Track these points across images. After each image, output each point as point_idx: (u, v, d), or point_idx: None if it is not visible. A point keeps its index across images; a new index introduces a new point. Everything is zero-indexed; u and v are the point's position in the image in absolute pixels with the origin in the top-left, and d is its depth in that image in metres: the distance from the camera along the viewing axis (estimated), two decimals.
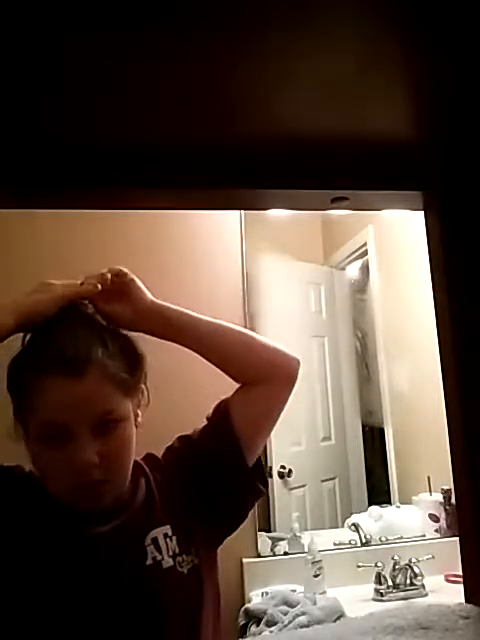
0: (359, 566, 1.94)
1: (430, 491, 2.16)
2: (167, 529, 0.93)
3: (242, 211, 2.02)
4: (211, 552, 1.00)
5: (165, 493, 0.97)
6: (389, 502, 2.29)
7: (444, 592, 1.86)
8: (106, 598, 0.87)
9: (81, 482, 0.85)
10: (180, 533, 0.94)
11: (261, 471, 1.02)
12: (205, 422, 1.03)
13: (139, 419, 0.95)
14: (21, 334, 0.91)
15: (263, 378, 0.99)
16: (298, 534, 2.05)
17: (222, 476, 0.97)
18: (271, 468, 2.17)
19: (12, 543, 0.88)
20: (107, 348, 0.89)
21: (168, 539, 0.92)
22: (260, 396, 0.99)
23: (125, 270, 0.96)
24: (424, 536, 2.14)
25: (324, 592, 1.86)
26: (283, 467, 2.21)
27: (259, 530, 2.01)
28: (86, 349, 0.87)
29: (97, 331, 0.91)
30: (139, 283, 0.97)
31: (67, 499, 0.88)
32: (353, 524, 2.14)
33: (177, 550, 0.92)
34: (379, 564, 1.92)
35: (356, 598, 1.86)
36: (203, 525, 0.97)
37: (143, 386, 0.97)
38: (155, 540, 0.91)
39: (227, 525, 1.01)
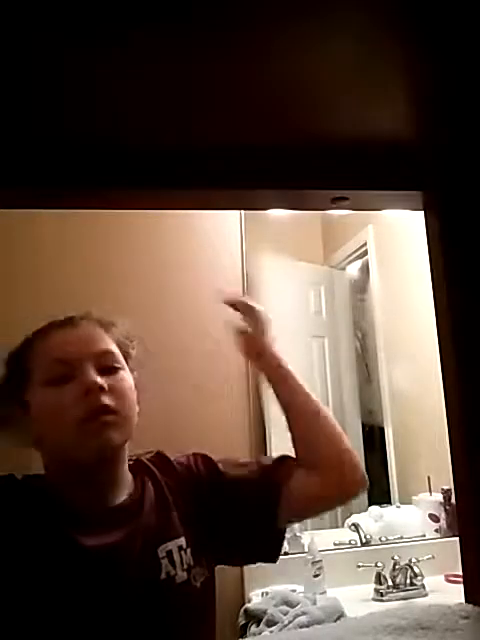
0: (359, 566, 1.94)
1: (430, 491, 2.16)
2: (182, 541, 0.91)
3: (242, 211, 2.02)
4: (215, 565, 0.99)
5: (181, 504, 0.95)
6: (389, 502, 2.29)
7: (444, 592, 1.85)
8: (116, 614, 0.83)
9: (89, 408, 0.84)
10: (194, 545, 0.92)
11: (282, 537, 1.02)
12: (250, 461, 1.04)
13: (137, 406, 0.94)
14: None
15: (327, 470, 0.99)
16: (298, 534, 2.05)
17: (246, 529, 0.97)
18: None
19: (13, 559, 0.83)
20: (102, 316, 0.97)
21: (182, 551, 0.90)
22: (317, 485, 0.98)
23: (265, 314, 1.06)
24: (424, 536, 2.13)
25: (324, 592, 1.86)
26: None
27: None
28: (82, 312, 0.96)
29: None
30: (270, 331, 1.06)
31: (74, 438, 0.85)
32: (353, 524, 2.14)
33: (191, 563, 0.90)
34: (379, 564, 1.92)
35: (356, 598, 1.86)
36: (213, 545, 0.96)
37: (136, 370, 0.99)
38: (170, 553, 0.89)
39: (234, 561, 1.06)
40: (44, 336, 0.92)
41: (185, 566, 0.89)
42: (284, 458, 1.02)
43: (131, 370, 0.96)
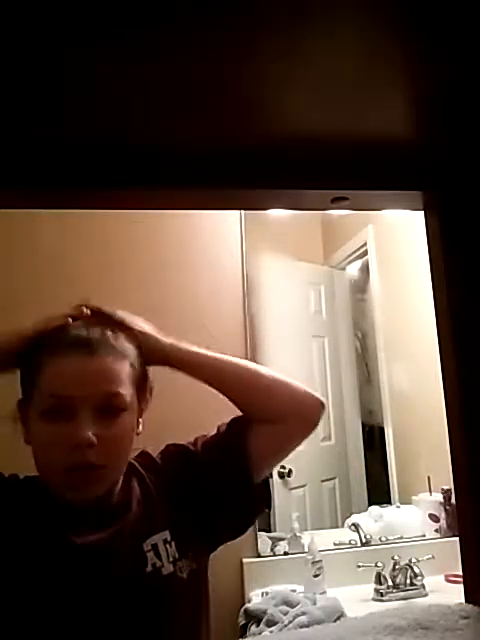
0: (359, 566, 1.94)
1: (430, 491, 2.16)
2: (166, 534, 0.92)
3: (242, 211, 2.02)
4: (206, 555, 0.99)
5: (164, 497, 0.96)
6: (389, 502, 2.29)
7: (444, 592, 1.85)
8: (104, 609, 0.85)
9: (75, 462, 0.84)
10: (179, 538, 0.93)
11: (266, 489, 1.02)
12: (214, 431, 1.01)
13: (140, 427, 0.95)
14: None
15: (282, 420, 0.98)
16: (298, 534, 2.05)
17: (227, 491, 0.97)
18: None
19: (8, 556, 0.85)
20: (118, 336, 0.91)
21: (167, 545, 0.91)
22: (277, 433, 0.98)
23: (125, 320, 0.96)
24: (424, 536, 2.14)
25: (324, 592, 1.86)
26: (283, 467, 2.20)
27: (259, 530, 2.01)
28: (100, 333, 0.90)
29: (110, 325, 0.93)
30: (148, 329, 0.97)
31: (57, 482, 0.86)
32: (353, 524, 2.14)
33: (177, 555, 0.91)
34: (379, 564, 1.92)
35: (356, 598, 1.86)
36: (202, 532, 0.96)
37: (148, 390, 0.97)
38: (155, 546, 0.90)
39: (227, 535, 1.01)
40: (56, 360, 0.87)
41: (171, 558, 0.90)
42: (236, 417, 1.01)
43: (141, 400, 0.95)
